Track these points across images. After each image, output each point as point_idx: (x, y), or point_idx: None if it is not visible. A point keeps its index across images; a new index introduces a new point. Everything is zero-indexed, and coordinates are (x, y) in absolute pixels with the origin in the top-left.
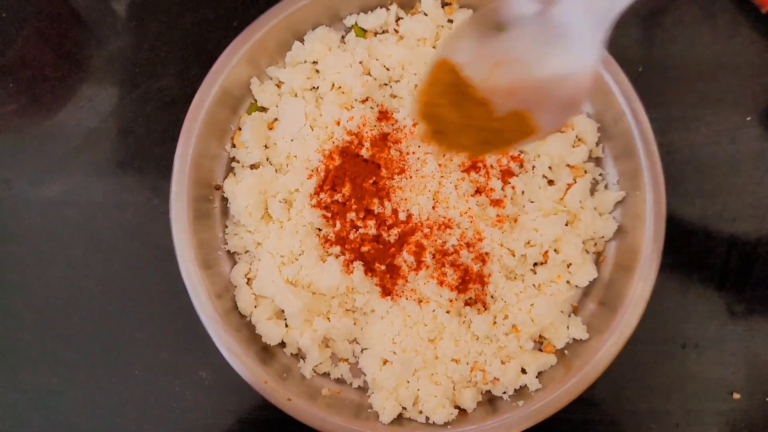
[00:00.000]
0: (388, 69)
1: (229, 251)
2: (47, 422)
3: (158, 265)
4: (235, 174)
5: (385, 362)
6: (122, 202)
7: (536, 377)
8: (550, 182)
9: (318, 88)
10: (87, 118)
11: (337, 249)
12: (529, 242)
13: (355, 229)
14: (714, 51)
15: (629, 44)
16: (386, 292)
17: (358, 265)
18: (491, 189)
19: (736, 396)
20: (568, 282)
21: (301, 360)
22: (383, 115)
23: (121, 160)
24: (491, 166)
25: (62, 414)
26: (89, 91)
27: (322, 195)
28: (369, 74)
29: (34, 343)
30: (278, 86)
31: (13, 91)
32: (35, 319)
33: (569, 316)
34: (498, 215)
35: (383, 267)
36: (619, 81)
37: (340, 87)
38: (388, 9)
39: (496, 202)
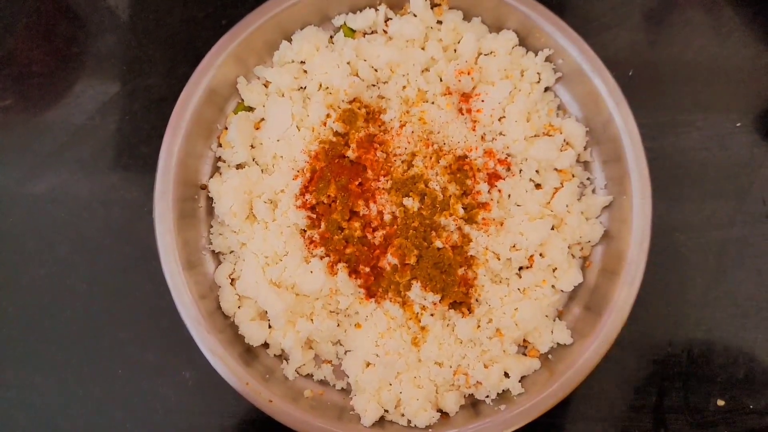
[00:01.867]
0: (376, 70)
1: (213, 251)
2: (30, 420)
3: (144, 264)
4: (220, 173)
5: (368, 364)
6: (108, 200)
7: (519, 381)
8: (538, 186)
9: (305, 88)
10: (74, 116)
11: (321, 250)
12: (514, 246)
13: (339, 231)
14: (706, 55)
15: (619, 48)
16: (370, 294)
17: (342, 267)
18: (478, 192)
19: (721, 403)
20: (553, 286)
21: (284, 361)
22: (370, 116)
23: (107, 158)
24: (478, 169)
25: (46, 412)
26: (76, 88)
27: (307, 196)
28: (357, 75)
29: (19, 342)
30: (265, 86)
31: (0, 88)
32: (20, 317)
33: (554, 320)
34: (484, 219)
35: (367, 269)
36: (609, 85)
37: (327, 87)
38: (377, 9)
39: (482, 206)
